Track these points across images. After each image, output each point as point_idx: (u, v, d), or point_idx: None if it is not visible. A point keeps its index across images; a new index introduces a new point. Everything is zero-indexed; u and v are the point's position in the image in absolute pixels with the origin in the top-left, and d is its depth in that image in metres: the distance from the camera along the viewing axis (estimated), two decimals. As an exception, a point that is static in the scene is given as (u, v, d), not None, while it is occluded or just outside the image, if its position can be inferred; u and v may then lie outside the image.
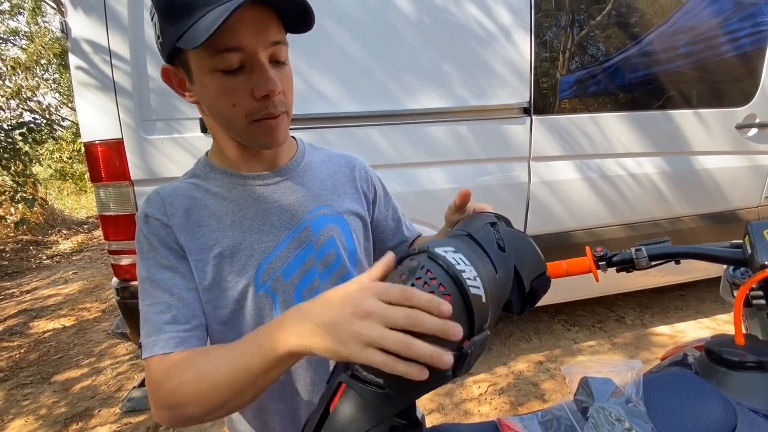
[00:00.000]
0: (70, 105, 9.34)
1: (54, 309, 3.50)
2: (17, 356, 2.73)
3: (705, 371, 0.58)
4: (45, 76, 8.19)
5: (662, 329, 2.41)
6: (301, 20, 0.53)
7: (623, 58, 1.92)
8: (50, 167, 8.97)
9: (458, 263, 0.37)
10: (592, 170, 1.94)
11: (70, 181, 9.23)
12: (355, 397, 0.37)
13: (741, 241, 0.62)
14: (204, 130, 1.54)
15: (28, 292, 4.05)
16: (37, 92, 7.35)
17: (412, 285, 0.36)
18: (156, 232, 0.59)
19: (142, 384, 2.17)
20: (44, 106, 7.25)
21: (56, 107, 8.65)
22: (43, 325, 3.18)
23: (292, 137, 0.70)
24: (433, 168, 1.78)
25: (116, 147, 1.50)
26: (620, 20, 1.92)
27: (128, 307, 1.64)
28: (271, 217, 0.62)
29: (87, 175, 8.97)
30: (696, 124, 2.05)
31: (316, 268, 0.64)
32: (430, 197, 1.74)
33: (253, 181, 0.63)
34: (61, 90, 9.04)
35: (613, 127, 1.93)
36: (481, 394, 1.98)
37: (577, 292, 2.26)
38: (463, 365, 0.35)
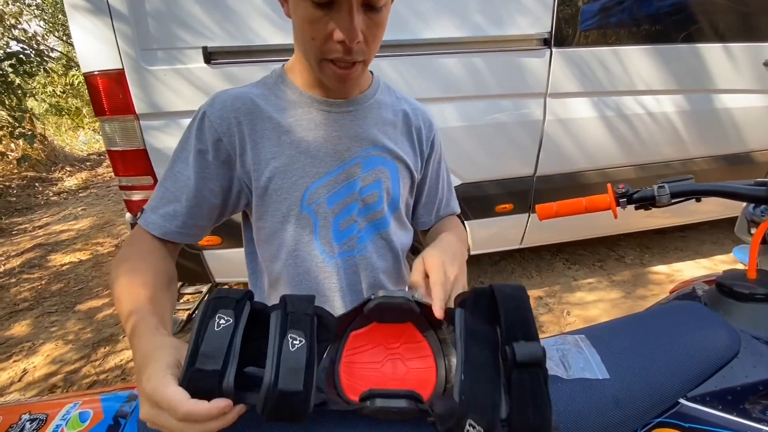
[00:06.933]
0: (56, 34, 8.83)
1: (68, 244, 3.60)
2: (39, 287, 2.86)
3: (713, 303, 0.61)
4: (27, 2, 7.64)
5: (660, 268, 2.48)
6: None
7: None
8: (45, 101, 8.71)
9: None
10: (609, 108, 1.87)
11: (66, 116, 9.02)
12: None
13: (765, 179, 0.62)
14: (207, 60, 1.46)
15: (40, 227, 4.14)
16: (20, 19, 6.90)
17: None
18: (205, 133, 0.61)
19: (161, 313, 2.30)
20: (30, 35, 6.84)
21: (43, 36, 8.16)
22: (60, 259, 3.29)
23: (370, 72, 0.69)
24: (445, 104, 1.72)
25: (117, 78, 1.44)
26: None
27: (144, 241, 1.68)
28: (327, 145, 0.64)
29: (85, 110, 8.71)
30: (722, 59, 1.94)
31: (357, 204, 0.66)
32: (442, 136, 1.70)
33: (319, 105, 0.64)
34: (45, 17, 8.48)
35: (636, 61, 1.83)
36: (482, 326, 2.09)
37: (580, 232, 2.30)
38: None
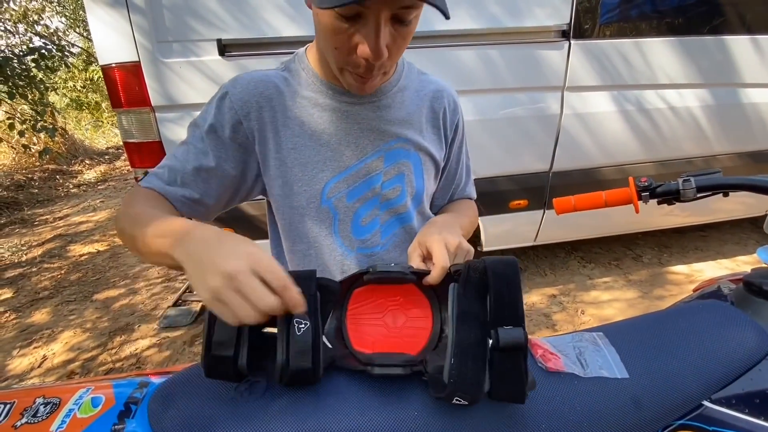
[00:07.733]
0: (77, 30, 9.01)
1: (87, 235, 3.69)
2: (59, 276, 2.93)
3: (741, 302, 0.58)
4: (49, -2, 7.80)
5: (679, 268, 2.41)
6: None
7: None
8: (66, 96, 8.91)
9: None
10: (629, 102, 1.82)
11: (86, 111, 9.22)
12: None
13: (800, 172, 0.59)
14: (222, 53, 1.46)
15: (60, 218, 4.24)
16: (42, 15, 7.06)
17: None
18: (225, 113, 0.60)
19: (175, 303, 2.33)
20: (52, 31, 7.00)
21: (64, 32, 8.35)
22: (79, 249, 3.37)
23: None
24: (459, 98, 1.69)
25: (134, 70, 1.45)
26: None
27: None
28: (348, 137, 0.62)
29: (104, 105, 8.88)
30: (749, 52, 1.86)
31: (378, 198, 0.65)
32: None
33: (340, 96, 0.62)
34: (66, 14, 8.66)
35: (658, 54, 1.77)
36: (494, 323, 2.07)
37: (596, 229, 2.25)
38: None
